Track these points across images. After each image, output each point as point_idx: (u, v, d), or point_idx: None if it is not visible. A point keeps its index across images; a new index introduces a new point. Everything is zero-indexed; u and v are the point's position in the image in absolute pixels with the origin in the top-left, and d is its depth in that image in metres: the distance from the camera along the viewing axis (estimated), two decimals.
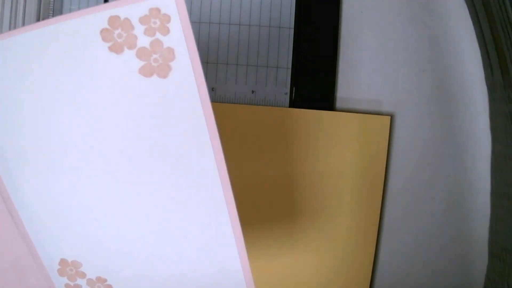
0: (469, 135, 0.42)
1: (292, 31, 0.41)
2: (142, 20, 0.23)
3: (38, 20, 0.41)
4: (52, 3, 0.41)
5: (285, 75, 0.42)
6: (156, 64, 0.24)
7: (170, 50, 0.23)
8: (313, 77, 0.42)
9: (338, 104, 0.42)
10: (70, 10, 0.42)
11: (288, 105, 0.42)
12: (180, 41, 0.23)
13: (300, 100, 0.42)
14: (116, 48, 0.23)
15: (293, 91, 0.42)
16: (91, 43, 0.23)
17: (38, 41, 0.23)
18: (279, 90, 0.42)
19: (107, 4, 0.22)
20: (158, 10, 0.23)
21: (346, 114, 0.41)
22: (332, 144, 0.41)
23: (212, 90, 0.42)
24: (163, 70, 0.24)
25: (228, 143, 0.41)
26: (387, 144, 0.41)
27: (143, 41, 0.23)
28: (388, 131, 0.41)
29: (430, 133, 0.42)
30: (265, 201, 0.41)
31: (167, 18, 0.23)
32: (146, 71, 0.24)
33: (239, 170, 0.41)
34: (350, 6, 0.42)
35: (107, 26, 0.23)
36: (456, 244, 0.43)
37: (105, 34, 0.23)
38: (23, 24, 0.40)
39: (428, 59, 0.42)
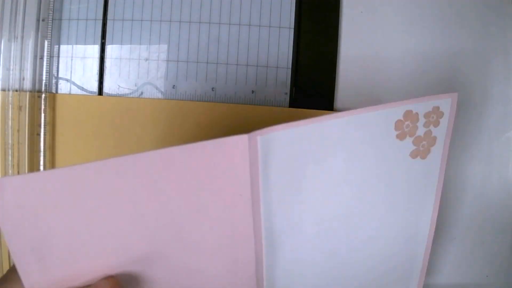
0: (469, 135, 0.42)
1: (292, 31, 0.41)
2: (426, 115, 0.29)
3: (38, 20, 0.41)
4: (52, 3, 0.41)
5: (285, 75, 0.42)
6: (422, 149, 0.30)
7: (434, 138, 0.31)
8: (313, 77, 0.42)
9: (338, 104, 0.42)
10: (70, 10, 0.42)
11: (288, 105, 0.42)
12: (443, 132, 0.31)
13: (300, 100, 0.42)
14: (401, 136, 0.29)
15: (293, 91, 0.42)
16: (385, 131, 0.29)
17: (338, 129, 0.27)
18: (279, 90, 0.42)
19: (403, 101, 0.28)
20: (437, 107, 0.30)
21: None
22: None
23: (212, 90, 0.42)
24: (424, 153, 0.31)
25: None
26: None
27: (421, 131, 0.30)
28: None
29: None
30: None
31: (441, 114, 0.30)
32: (414, 154, 0.30)
33: None
34: (350, 6, 0.42)
35: (401, 118, 0.29)
36: (456, 244, 0.43)
37: (398, 124, 0.29)
38: (23, 24, 0.40)
39: (428, 59, 0.42)
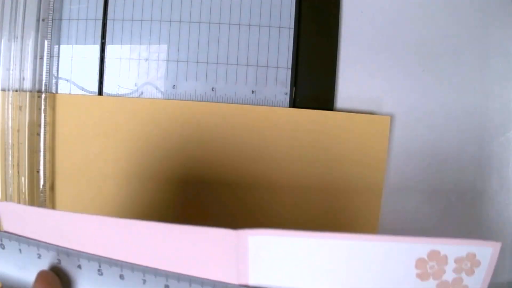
0: (469, 135, 0.42)
1: (292, 31, 0.41)
2: (457, 260, 0.25)
3: (38, 20, 0.41)
4: (52, 3, 0.41)
5: (285, 75, 0.42)
6: None
7: (465, 287, 0.26)
8: (313, 77, 0.42)
9: (338, 104, 0.42)
10: (70, 10, 0.42)
11: (288, 105, 0.42)
12: (477, 282, 0.26)
13: (300, 100, 0.42)
14: (422, 276, 0.26)
15: (293, 91, 0.42)
16: (403, 267, 0.25)
17: (353, 252, 0.25)
18: (279, 90, 0.42)
19: (431, 239, 0.25)
20: (473, 255, 0.25)
21: (346, 114, 0.41)
22: (332, 144, 0.41)
23: (212, 90, 0.42)
24: None
25: (228, 143, 0.41)
26: (387, 144, 0.41)
27: (448, 276, 0.26)
28: (388, 131, 0.41)
29: (430, 133, 0.42)
30: (265, 201, 0.41)
31: (477, 263, 0.26)
32: None
33: (239, 169, 0.41)
34: (350, 6, 0.42)
35: (425, 257, 0.25)
36: None
37: (419, 263, 0.25)
38: (23, 24, 0.40)
39: (428, 59, 0.42)
